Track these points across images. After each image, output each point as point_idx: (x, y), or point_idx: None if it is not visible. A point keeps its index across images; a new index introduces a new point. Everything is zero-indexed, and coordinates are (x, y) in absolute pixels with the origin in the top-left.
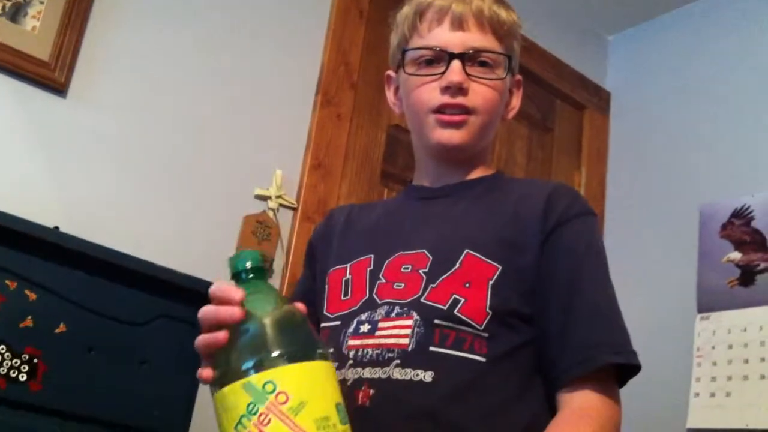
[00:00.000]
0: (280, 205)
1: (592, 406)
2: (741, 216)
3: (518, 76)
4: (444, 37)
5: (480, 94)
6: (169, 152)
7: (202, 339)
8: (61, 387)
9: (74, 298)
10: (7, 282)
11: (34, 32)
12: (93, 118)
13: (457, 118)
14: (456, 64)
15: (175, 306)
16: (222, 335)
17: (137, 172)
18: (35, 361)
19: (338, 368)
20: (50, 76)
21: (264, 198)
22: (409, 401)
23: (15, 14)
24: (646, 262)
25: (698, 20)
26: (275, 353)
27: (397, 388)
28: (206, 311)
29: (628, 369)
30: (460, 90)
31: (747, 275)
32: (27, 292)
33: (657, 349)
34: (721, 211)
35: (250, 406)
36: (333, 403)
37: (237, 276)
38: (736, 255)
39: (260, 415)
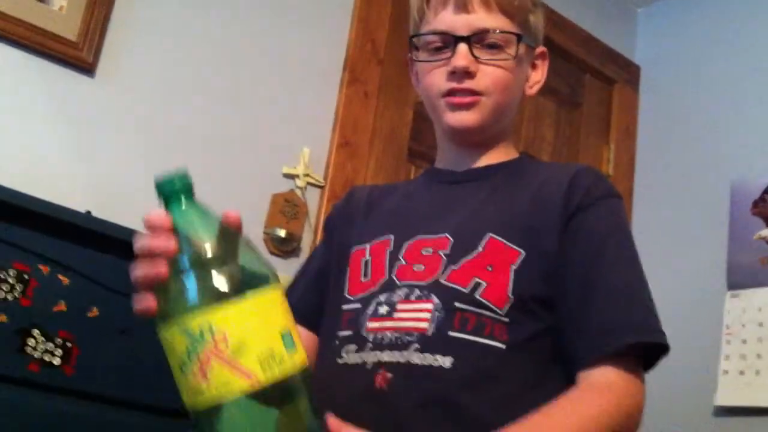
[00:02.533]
0: (308, 183)
1: (609, 381)
2: None
3: (541, 49)
4: (449, 20)
5: (489, 75)
6: (197, 132)
7: (140, 271)
8: (95, 370)
9: (106, 282)
10: (40, 267)
11: (62, 12)
12: (121, 97)
13: (466, 99)
14: (462, 47)
15: None
16: (163, 269)
17: (166, 152)
18: (68, 344)
19: (357, 351)
20: (78, 56)
21: (292, 176)
22: (427, 387)
23: None
24: (676, 239)
25: None
26: (210, 292)
27: (415, 372)
28: (141, 243)
29: (655, 351)
30: (466, 74)
31: None
32: (60, 276)
33: (686, 327)
34: (753, 187)
35: (190, 351)
36: (277, 333)
37: (169, 201)
38: (767, 232)
39: (200, 359)
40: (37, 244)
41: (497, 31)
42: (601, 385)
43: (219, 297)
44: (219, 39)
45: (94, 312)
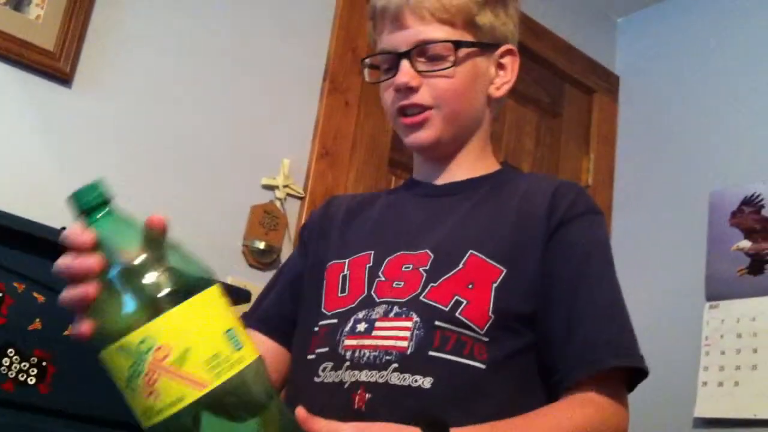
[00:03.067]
0: (288, 194)
1: (594, 400)
2: (751, 204)
3: (506, 47)
4: (390, 38)
5: (434, 87)
6: (175, 142)
7: (68, 294)
8: (71, 389)
9: None
10: (15, 284)
11: (39, 21)
12: (99, 108)
13: (417, 118)
14: (403, 64)
15: None
16: (92, 289)
17: (144, 163)
18: (44, 363)
19: (334, 369)
20: (55, 66)
21: (271, 187)
22: (406, 407)
23: (19, 3)
24: (655, 249)
25: (708, 3)
26: (143, 304)
27: (394, 393)
28: (61, 264)
29: (636, 373)
30: (409, 89)
31: (757, 264)
32: (35, 294)
33: (665, 337)
34: (732, 198)
35: (133, 369)
36: (220, 334)
37: (87, 214)
38: (745, 243)
39: (146, 375)
40: (12, 261)
41: (433, 41)
42: (584, 400)
43: (153, 308)
44: (197, 49)
45: (71, 330)
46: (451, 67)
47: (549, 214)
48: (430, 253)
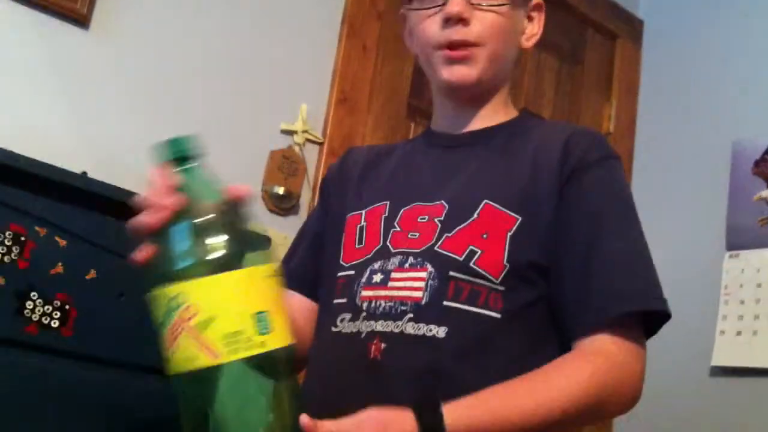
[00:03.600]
0: (306, 140)
1: (602, 348)
2: None
3: (537, 0)
4: None
5: (484, 22)
6: (193, 88)
7: (137, 219)
8: (93, 332)
9: (104, 244)
10: (37, 228)
11: None
12: (116, 52)
13: (462, 53)
14: None
15: None
16: (155, 219)
17: (162, 108)
18: (66, 307)
19: (352, 320)
20: (72, 8)
21: (290, 133)
22: (420, 357)
23: None
24: (676, 198)
25: None
26: (191, 262)
27: (408, 342)
28: (142, 196)
29: (656, 318)
30: (461, 20)
31: None
32: (57, 238)
33: (684, 286)
34: (755, 147)
35: (165, 317)
36: (250, 314)
37: (176, 163)
38: (767, 193)
39: (171, 327)
40: (34, 206)
41: None
42: (593, 351)
43: (198, 268)
44: None
45: (92, 274)
46: (506, 4)
47: (562, 163)
48: (445, 204)
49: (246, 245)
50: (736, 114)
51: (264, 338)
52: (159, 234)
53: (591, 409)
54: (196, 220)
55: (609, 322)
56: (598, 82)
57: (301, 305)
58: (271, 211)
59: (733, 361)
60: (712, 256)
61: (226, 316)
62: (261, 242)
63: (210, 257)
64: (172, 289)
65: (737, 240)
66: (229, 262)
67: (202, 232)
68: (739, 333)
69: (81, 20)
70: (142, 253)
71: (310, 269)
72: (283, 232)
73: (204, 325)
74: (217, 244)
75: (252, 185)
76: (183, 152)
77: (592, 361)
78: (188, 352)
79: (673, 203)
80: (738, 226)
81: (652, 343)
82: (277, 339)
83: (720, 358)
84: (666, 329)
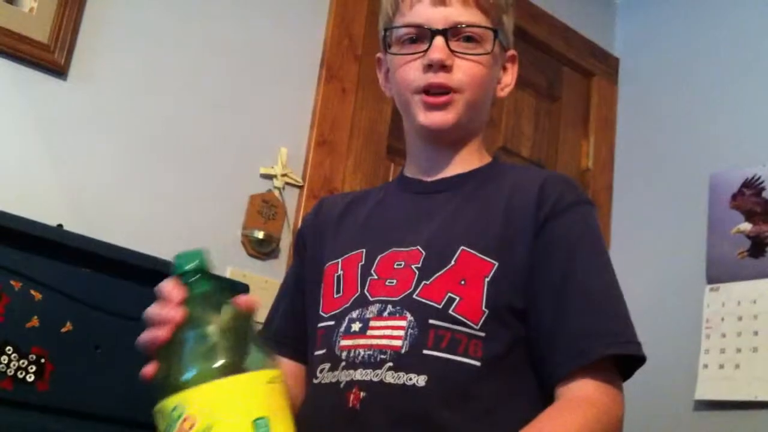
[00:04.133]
0: (286, 183)
1: (587, 395)
2: (752, 186)
3: (512, 52)
4: (426, 13)
5: (465, 70)
6: (172, 133)
7: (144, 335)
8: (69, 386)
9: (80, 296)
10: (12, 282)
11: (32, 13)
12: (94, 100)
13: (441, 99)
14: (438, 40)
15: None
16: (162, 334)
17: (141, 155)
18: (42, 361)
19: (331, 370)
20: (50, 58)
21: (270, 177)
22: (400, 406)
23: None
24: (656, 232)
25: None
26: (187, 374)
27: (388, 391)
28: (150, 310)
29: (632, 359)
30: (442, 67)
31: (757, 246)
32: (32, 291)
33: (665, 320)
34: (732, 180)
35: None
36: (249, 420)
37: (183, 276)
38: (746, 226)
39: None
40: (8, 259)
41: (474, 25)
42: (579, 399)
43: (198, 377)
44: (193, 39)
45: (68, 327)
46: (487, 54)
47: (537, 208)
48: (421, 249)
49: (247, 353)
50: (712, 148)
51: None
52: (164, 347)
53: None
54: (197, 330)
55: (589, 366)
56: (576, 119)
57: (288, 370)
58: (250, 255)
59: (717, 394)
60: (693, 290)
61: (225, 424)
62: (263, 350)
63: (209, 366)
64: (172, 400)
65: (717, 273)
66: (229, 370)
67: (202, 342)
68: (721, 366)
69: (59, 70)
70: (150, 368)
71: (291, 329)
72: (263, 275)
73: None
74: (218, 353)
75: (231, 229)
76: (189, 266)
77: (582, 412)
78: None
79: (652, 237)
80: (718, 260)
81: (635, 377)
82: None
83: (703, 392)
84: (649, 364)
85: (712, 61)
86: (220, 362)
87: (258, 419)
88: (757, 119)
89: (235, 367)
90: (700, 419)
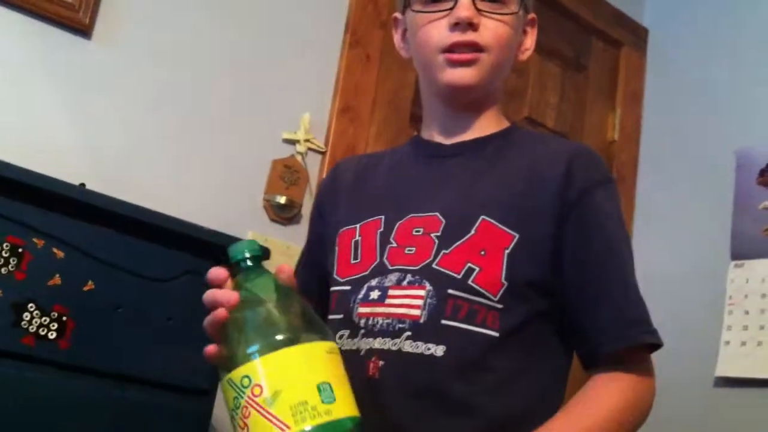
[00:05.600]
0: (309, 149)
1: (627, 377)
2: None
3: (532, 15)
4: None
5: (491, 29)
6: (195, 98)
7: (206, 320)
8: (90, 345)
9: (101, 256)
10: (35, 240)
11: None
12: (118, 61)
13: (467, 56)
14: None
15: (201, 262)
16: (221, 314)
17: (164, 117)
18: (64, 318)
19: (351, 337)
20: (75, 18)
21: (292, 142)
22: (418, 376)
23: None
24: (681, 207)
25: None
26: (252, 347)
27: (407, 361)
28: (205, 294)
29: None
30: (470, 26)
31: None
32: (55, 250)
33: (688, 295)
34: (759, 156)
35: (235, 401)
36: (313, 384)
37: (236, 264)
38: None
39: (243, 408)
40: (32, 217)
41: None
42: (618, 378)
43: (260, 349)
44: (218, 3)
45: (90, 286)
46: (514, 14)
47: (566, 183)
48: (440, 216)
49: (304, 327)
50: (740, 123)
51: (329, 407)
52: (225, 327)
53: (629, 427)
54: (256, 308)
55: (627, 349)
56: (603, 91)
57: None
58: (272, 220)
59: (737, 371)
60: (717, 266)
61: (292, 388)
62: (316, 321)
63: (273, 338)
64: (240, 371)
65: (742, 249)
66: (291, 341)
67: (262, 317)
68: (743, 343)
69: (83, 30)
70: (212, 347)
71: (312, 295)
72: (285, 241)
73: (271, 399)
74: (278, 326)
75: (254, 194)
76: (239, 256)
77: (621, 389)
78: (259, 428)
79: (677, 212)
80: (743, 236)
81: (656, 353)
82: (342, 409)
83: (724, 369)
84: (671, 339)
85: (741, 35)
86: (281, 335)
87: (321, 383)
88: None
89: (295, 339)
90: (720, 396)
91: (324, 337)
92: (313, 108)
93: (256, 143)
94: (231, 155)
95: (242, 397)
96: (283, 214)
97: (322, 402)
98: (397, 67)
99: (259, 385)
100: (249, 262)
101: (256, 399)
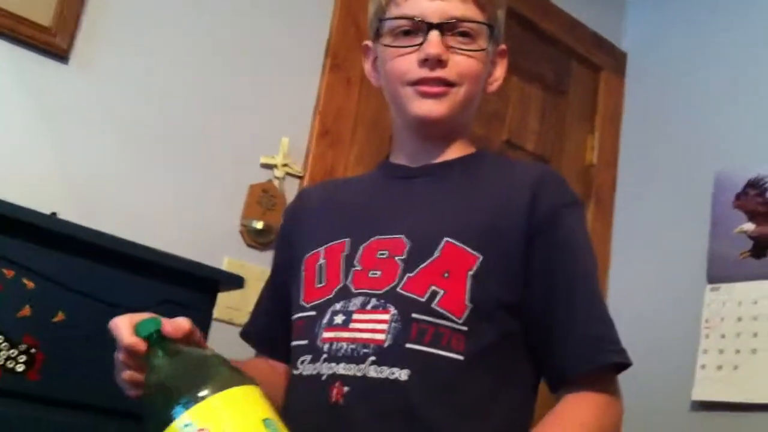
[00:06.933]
0: (287, 173)
1: (595, 398)
2: (756, 186)
3: (503, 46)
4: (421, 5)
5: (460, 65)
6: (173, 121)
7: (123, 375)
8: (60, 376)
9: (73, 286)
10: (4, 270)
11: None
12: (96, 85)
13: (436, 89)
14: (434, 34)
15: (176, 291)
16: (134, 393)
17: (141, 142)
18: (33, 351)
19: (312, 362)
20: (52, 42)
21: (270, 166)
22: (383, 401)
23: None
24: (658, 230)
25: None
26: (188, 394)
27: (372, 386)
28: (118, 360)
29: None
30: (438, 62)
31: (759, 247)
32: (25, 280)
33: (665, 319)
34: (736, 180)
35: None
36: (259, 420)
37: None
38: (749, 226)
39: None
40: (1, 247)
41: (470, 20)
42: (585, 399)
43: (198, 396)
44: (197, 26)
45: (60, 317)
46: (482, 50)
47: (533, 205)
48: (405, 239)
49: (227, 374)
50: (718, 147)
51: None
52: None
53: None
54: (176, 364)
55: (597, 369)
56: (582, 113)
57: (265, 368)
58: (249, 245)
59: (714, 395)
60: (694, 289)
61: (239, 426)
62: (238, 370)
63: (203, 385)
64: (180, 421)
65: (719, 272)
66: (221, 386)
67: (187, 367)
68: (719, 367)
69: (60, 54)
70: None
71: (273, 328)
72: (261, 266)
73: None
74: (204, 374)
75: (231, 219)
76: (148, 332)
77: (589, 409)
78: None
79: (654, 235)
80: (720, 259)
81: (633, 376)
82: None
83: (700, 393)
84: (647, 362)
85: (720, 59)
86: (216, 380)
87: (265, 419)
88: (764, 119)
89: (230, 382)
90: (696, 420)
91: (252, 381)
92: (292, 132)
93: (233, 168)
94: (208, 180)
95: None
96: (260, 239)
97: None
98: (378, 90)
99: (205, 429)
100: (154, 336)
101: None
